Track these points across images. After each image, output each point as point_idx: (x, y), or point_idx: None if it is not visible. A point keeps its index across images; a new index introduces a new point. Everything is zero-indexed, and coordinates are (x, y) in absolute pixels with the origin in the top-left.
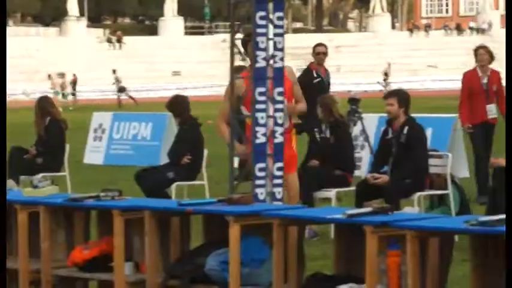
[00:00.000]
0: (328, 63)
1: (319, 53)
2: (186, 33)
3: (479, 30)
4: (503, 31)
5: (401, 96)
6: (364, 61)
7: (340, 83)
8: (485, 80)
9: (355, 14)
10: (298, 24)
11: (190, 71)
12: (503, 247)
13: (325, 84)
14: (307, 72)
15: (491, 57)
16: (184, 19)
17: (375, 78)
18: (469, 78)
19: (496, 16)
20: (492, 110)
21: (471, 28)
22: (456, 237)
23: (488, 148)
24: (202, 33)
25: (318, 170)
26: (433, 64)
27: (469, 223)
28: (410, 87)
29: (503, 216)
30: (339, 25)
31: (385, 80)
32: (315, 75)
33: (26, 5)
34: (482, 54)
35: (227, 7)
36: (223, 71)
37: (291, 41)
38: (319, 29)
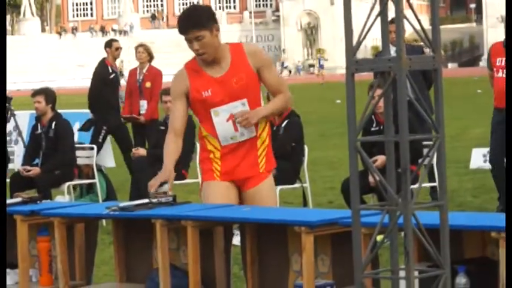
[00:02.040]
0: None
1: (118, 48)
2: None
3: (122, 32)
4: (143, 32)
5: (48, 94)
6: (16, 62)
7: None
8: (140, 77)
9: (7, 18)
10: None
11: None
12: (148, 230)
13: (118, 80)
14: (102, 66)
15: (150, 56)
16: None
17: (29, 77)
18: (131, 74)
19: (136, 19)
20: (144, 106)
21: (114, 30)
22: (104, 222)
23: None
24: None
25: None
26: (81, 64)
27: (110, 209)
28: (60, 86)
29: (143, 200)
30: None
31: None
32: (110, 70)
33: None
34: (141, 52)
35: None
36: None
37: None
38: None
